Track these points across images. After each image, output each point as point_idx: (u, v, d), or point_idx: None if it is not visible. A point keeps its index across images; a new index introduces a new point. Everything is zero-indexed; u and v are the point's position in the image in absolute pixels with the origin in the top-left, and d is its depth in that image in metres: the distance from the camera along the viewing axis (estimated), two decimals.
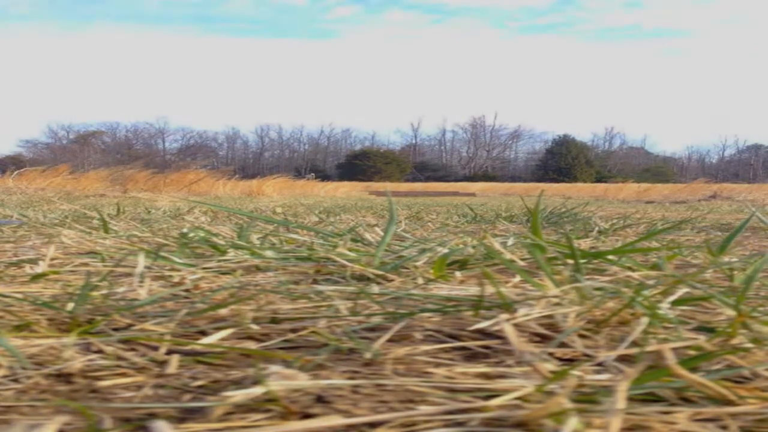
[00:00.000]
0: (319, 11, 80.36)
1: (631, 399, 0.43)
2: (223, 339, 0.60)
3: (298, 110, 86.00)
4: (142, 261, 0.93)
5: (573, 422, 0.37)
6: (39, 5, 79.10)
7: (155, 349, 0.56)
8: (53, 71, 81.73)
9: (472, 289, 0.80)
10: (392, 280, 0.92)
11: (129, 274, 0.96)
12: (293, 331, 0.63)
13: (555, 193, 14.43)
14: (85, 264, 1.08)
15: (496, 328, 0.60)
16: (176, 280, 0.92)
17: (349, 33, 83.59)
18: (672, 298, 0.71)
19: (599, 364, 0.51)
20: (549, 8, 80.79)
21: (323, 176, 26.45)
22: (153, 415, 0.41)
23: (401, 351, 0.55)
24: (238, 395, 0.42)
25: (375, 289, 0.82)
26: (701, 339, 0.57)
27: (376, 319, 0.66)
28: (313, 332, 0.62)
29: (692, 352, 0.53)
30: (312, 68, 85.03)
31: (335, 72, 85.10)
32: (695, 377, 0.44)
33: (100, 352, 0.55)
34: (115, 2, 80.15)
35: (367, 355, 0.54)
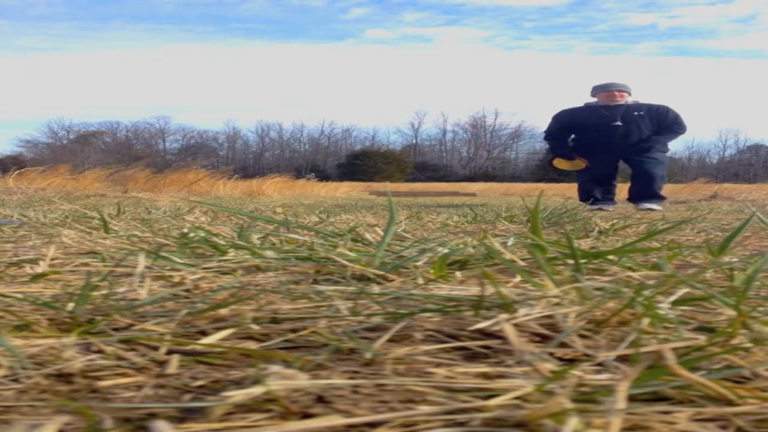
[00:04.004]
0: (336, 11, 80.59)
1: (632, 399, 0.43)
2: (224, 339, 0.59)
3: (298, 109, 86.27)
4: (142, 261, 0.93)
5: (573, 422, 0.37)
6: (56, 5, 79.34)
7: (155, 349, 0.56)
8: (59, 71, 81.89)
9: (473, 289, 0.80)
10: (392, 280, 0.92)
11: (129, 274, 0.96)
12: (293, 331, 0.63)
13: (555, 193, 14.42)
14: (86, 264, 1.08)
15: (496, 328, 0.60)
16: (176, 280, 0.93)
17: (359, 34, 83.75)
18: (672, 298, 0.71)
19: (599, 364, 0.51)
20: (566, 8, 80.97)
21: (323, 176, 26.43)
22: (153, 415, 0.41)
23: (401, 351, 0.55)
24: (239, 395, 0.42)
25: (375, 289, 0.82)
26: (701, 339, 0.57)
27: (376, 319, 0.66)
28: (313, 332, 0.62)
29: (692, 352, 0.53)
30: (313, 68, 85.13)
31: (337, 71, 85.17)
32: (695, 377, 0.44)
33: (100, 352, 0.55)
34: (132, 2, 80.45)
35: (368, 355, 0.54)
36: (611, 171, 5.44)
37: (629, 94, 5.42)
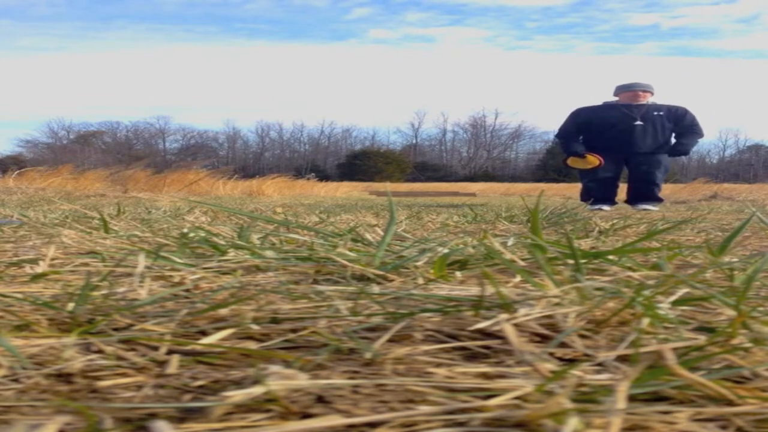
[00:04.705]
0: (339, 12, 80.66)
1: (632, 399, 0.43)
2: (224, 339, 0.60)
3: (298, 109, 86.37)
4: (142, 261, 0.93)
5: (573, 422, 0.37)
6: (58, 5, 79.40)
7: (155, 349, 0.56)
8: (60, 71, 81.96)
9: (473, 289, 0.80)
10: (392, 280, 0.92)
11: (129, 274, 0.96)
12: (293, 331, 0.63)
13: (555, 193, 14.42)
14: (86, 264, 1.08)
15: (496, 328, 0.60)
16: (176, 280, 0.93)
17: (362, 34, 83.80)
18: (672, 298, 0.71)
19: (599, 364, 0.51)
20: (568, 8, 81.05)
21: (323, 176, 26.43)
22: (153, 415, 0.41)
23: (401, 351, 0.55)
24: (238, 395, 0.42)
25: (375, 289, 0.82)
26: (701, 339, 0.57)
27: (376, 319, 0.66)
28: (313, 332, 0.62)
29: (692, 352, 0.53)
30: (314, 68, 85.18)
31: (338, 71, 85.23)
32: (695, 377, 0.44)
33: (100, 352, 0.55)
34: (134, 2, 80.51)
35: (367, 355, 0.54)
36: (618, 171, 5.48)
37: (652, 93, 5.46)
